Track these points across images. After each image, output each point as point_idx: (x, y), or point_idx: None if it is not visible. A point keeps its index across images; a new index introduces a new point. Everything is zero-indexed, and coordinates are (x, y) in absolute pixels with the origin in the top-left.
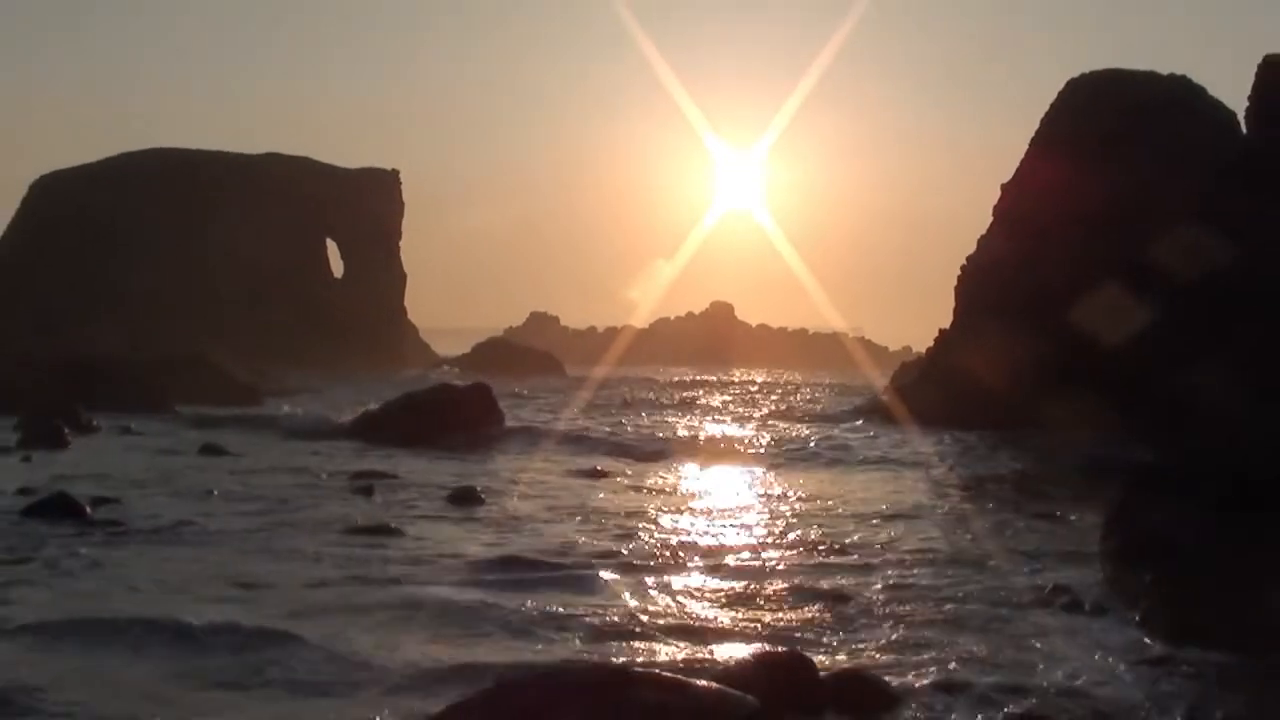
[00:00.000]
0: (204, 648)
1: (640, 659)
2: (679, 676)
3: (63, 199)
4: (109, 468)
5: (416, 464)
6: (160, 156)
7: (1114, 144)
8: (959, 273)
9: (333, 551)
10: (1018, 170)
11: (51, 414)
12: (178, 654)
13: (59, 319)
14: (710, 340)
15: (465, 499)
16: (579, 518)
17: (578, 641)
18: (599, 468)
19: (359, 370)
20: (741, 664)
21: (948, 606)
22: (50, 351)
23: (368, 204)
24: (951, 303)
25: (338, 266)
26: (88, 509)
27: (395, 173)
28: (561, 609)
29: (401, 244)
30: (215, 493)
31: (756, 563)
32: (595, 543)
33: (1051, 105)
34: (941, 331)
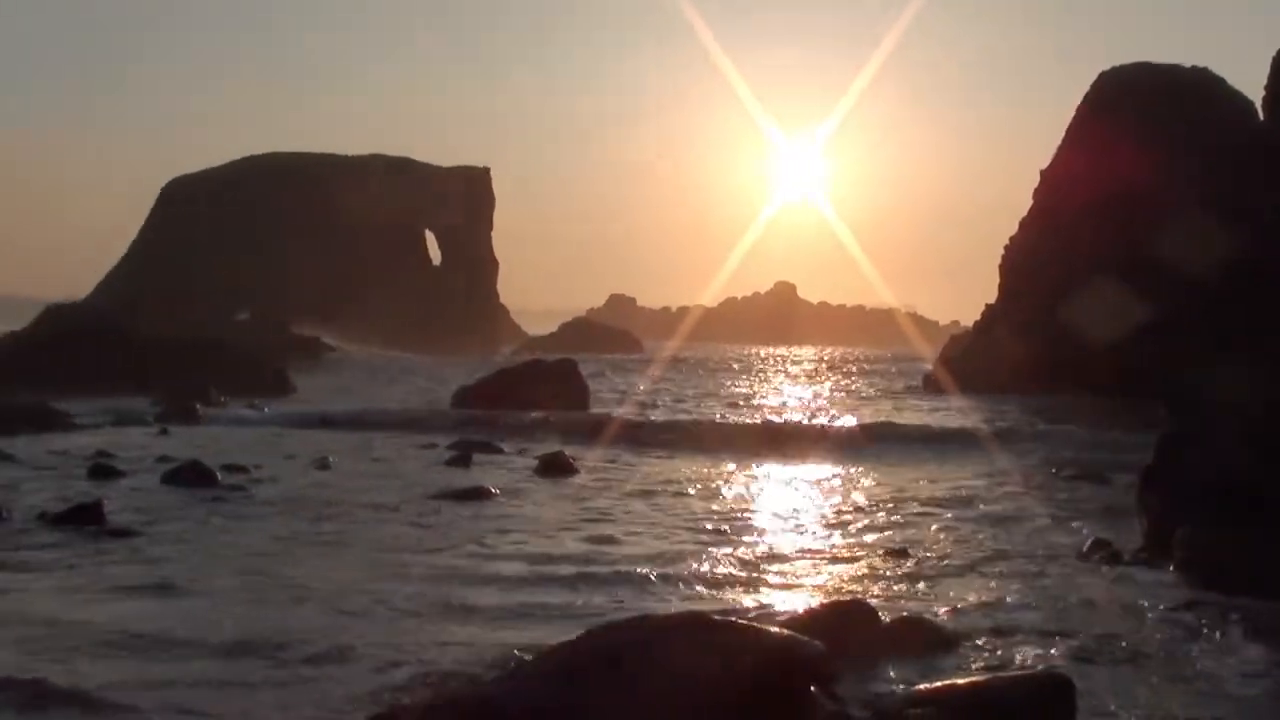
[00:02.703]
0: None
1: (716, 608)
2: (752, 623)
3: (191, 199)
4: (236, 441)
5: (514, 432)
6: (278, 159)
7: (1140, 132)
8: (1003, 251)
9: (439, 515)
10: (1054, 157)
11: (186, 393)
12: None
13: (190, 307)
14: (774, 318)
15: (555, 468)
16: (655, 482)
17: (659, 594)
18: (670, 437)
19: (457, 349)
20: (809, 612)
21: (997, 560)
22: (183, 337)
23: (462, 198)
24: (997, 279)
25: (436, 255)
26: (219, 476)
27: (486, 170)
28: (641, 569)
29: (493, 233)
30: (332, 460)
31: (821, 524)
32: (670, 507)
33: (1084, 96)
34: (987, 306)
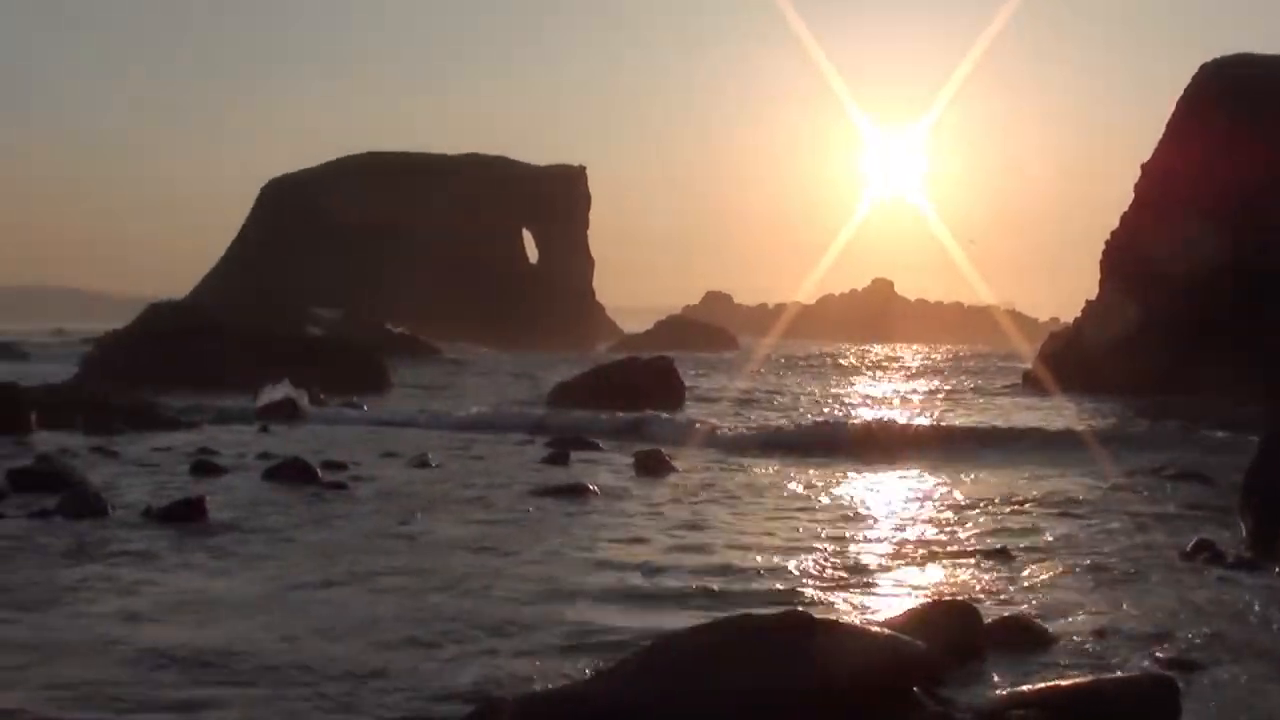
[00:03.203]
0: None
1: (819, 609)
2: (853, 623)
3: (291, 198)
4: (336, 438)
5: (609, 429)
6: (375, 159)
7: (1242, 125)
8: (1104, 247)
9: (540, 511)
10: (1155, 151)
11: (286, 389)
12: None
13: (290, 305)
14: (871, 315)
15: (653, 466)
16: (752, 482)
17: (758, 595)
18: (766, 437)
19: (554, 347)
20: (912, 613)
21: (1098, 560)
22: (282, 335)
23: (558, 197)
24: (1097, 275)
25: (533, 254)
26: (319, 473)
27: (582, 168)
28: (739, 568)
29: (589, 231)
30: (431, 458)
31: (921, 525)
32: (768, 508)
33: (1185, 89)
34: (1088, 303)
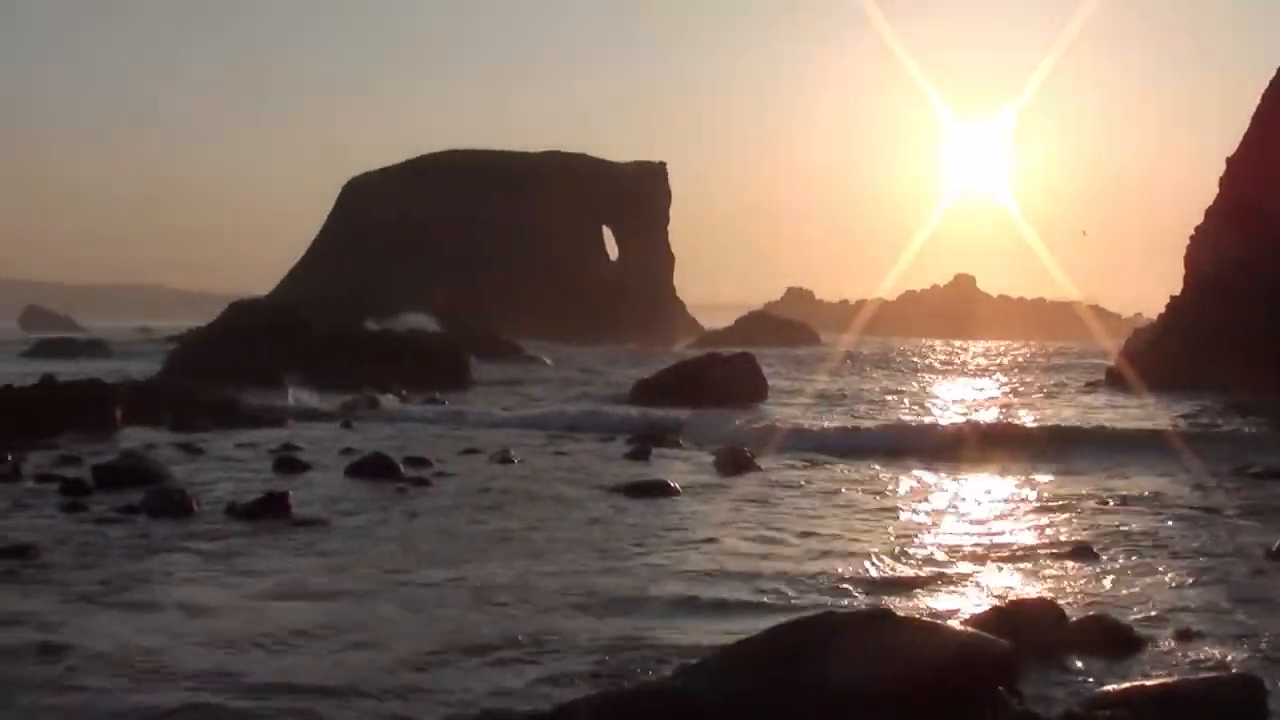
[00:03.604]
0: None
1: (902, 607)
2: (938, 621)
3: (371, 197)
4: (418, 434)
5: (690, 426)
6: (455, 158)
7: None
8: (1188, 242)
9: (621, 509)
10: (1240, 144)
11: (368, 385)
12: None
13: (371, 303)
14: (953, 310)
15: (734, 464)
16: (834, 481)
17: (841, 592)
18: (847, 435)
19: (635, 343)
20: (995, 610)
21: (1183, 560)
22: (363, 331)
23: (638, 194)
24: (1181, 270)
25: (613, 251)
26: (401, 469)
27: (662, 164)
28: (823, 567)
29: (669, 228)
30: (513, 454)
31: (1004, 524)
32: (850, 505)
33: (1271, 80)
34: (1172, 298)
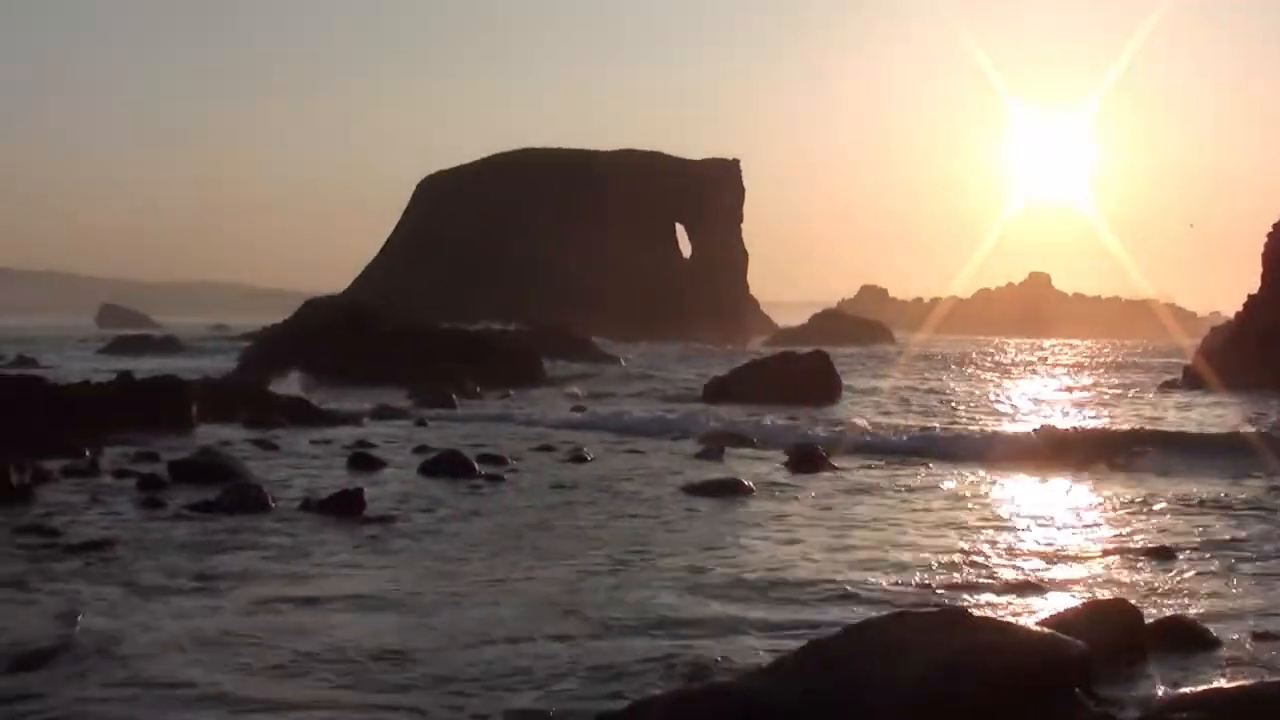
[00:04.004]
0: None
1: (977, 609)
2: (1014, 622)
3: (445, 196)
4: (492, 432)
5: (763, 425)
6: (529, 156)
7: None
8: (1266, 239)
9: (693, 508)
10: None
11: (442, 383)
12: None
13: (444, 299)
14: (1028, 309)
15: (807, 463)
16: (907, 481)
17: (915, 594)
18: (920, 436)
19: (708, 341)
20: (1072, 611)
21: (1261, 562)
22: (438, 329)
23: (712, 191)
24: (1259, 268)
25: (687, 248)
26: (476, 466)
27: (736, 162)
28: (896, 567)
29: (743, 225)
30: (586, 452)
31: (1080, 526)
32: (923, 506)
33: None
34: (1250, 296)
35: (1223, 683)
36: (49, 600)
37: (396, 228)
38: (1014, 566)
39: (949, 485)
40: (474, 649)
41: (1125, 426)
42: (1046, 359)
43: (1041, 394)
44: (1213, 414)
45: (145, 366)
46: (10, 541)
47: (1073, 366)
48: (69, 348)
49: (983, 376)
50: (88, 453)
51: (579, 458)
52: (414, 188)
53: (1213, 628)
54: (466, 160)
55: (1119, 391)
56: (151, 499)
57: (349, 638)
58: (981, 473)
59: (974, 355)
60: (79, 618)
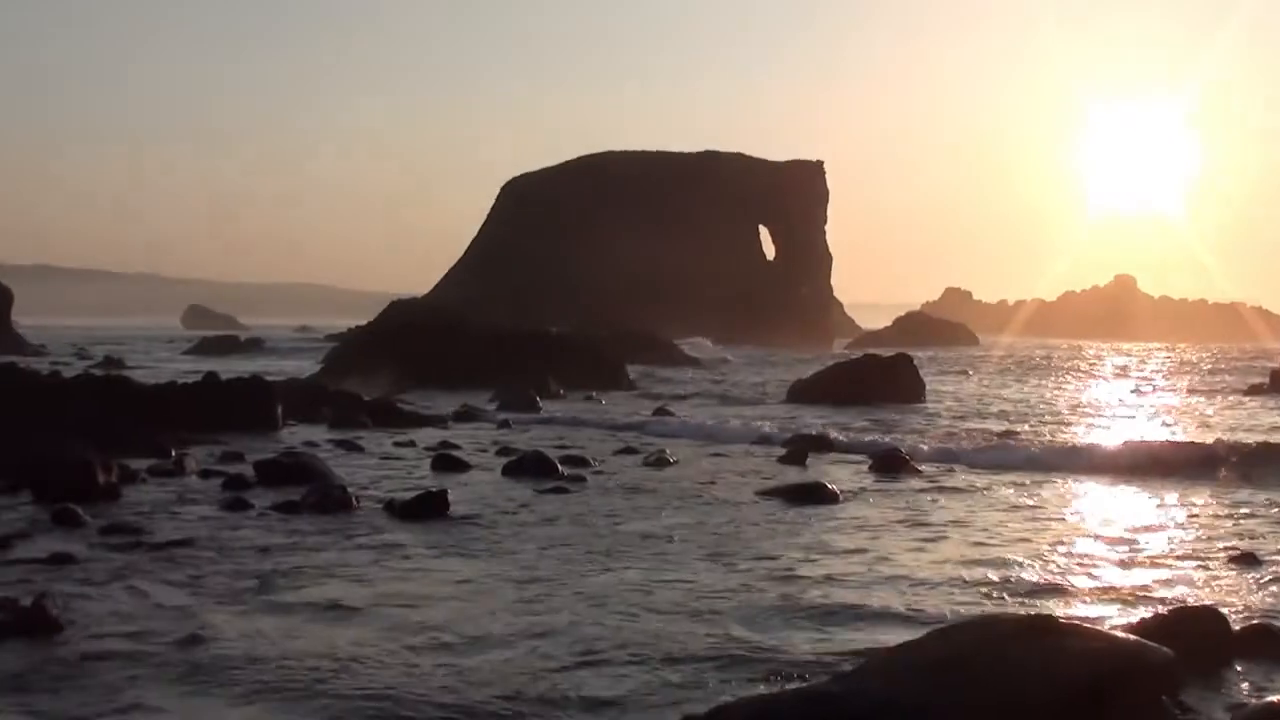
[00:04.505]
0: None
1: (1060, 614)
2: (1100, 629)
3: (528, 198)
4: (575, 434)
5: (848, 428)
6: (613, 158)
7: None
8: None
9: (774, 512)
10: None
11: (525, 384)
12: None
13: (529, 300)
14: (1113, 312)
15: (891, 467)
16: (991, 486)
17: (998, 600)
18: (1003, 444)
19: (792, 343)
20: (1157, 618)
21: None
22: (521, 330)
23: (796, 193)
24: None
25: (770, 250)
26: (559, 467)
27: (820, 163)
28: (980, 573)
29: (827, 227)
30: (669, 454)
31: (1165, 533)
32: (1008, 511)
33: None
34: None
35: None
36: (134, 599)
37: (480, 230)
38: (1098, 574)
39: (1033, 493)
40: (552, 650)
41: (1213, 434)
42: (1131, 362)
43: (1127, 398)
44: None
45: (230, 367)
46: (97, 540)
47: (1158, 370)
48: (156, 348)
49: (1067, 380)
50: (174, 453)
51: (661, 460)
52: (498, 191)
53: None
54: (550, 163)
55: (1205, 397)
56: (236, 499)
57: (428, 637)
58: (1067, 481)
59: (1058, 358)
60: (171, 616)
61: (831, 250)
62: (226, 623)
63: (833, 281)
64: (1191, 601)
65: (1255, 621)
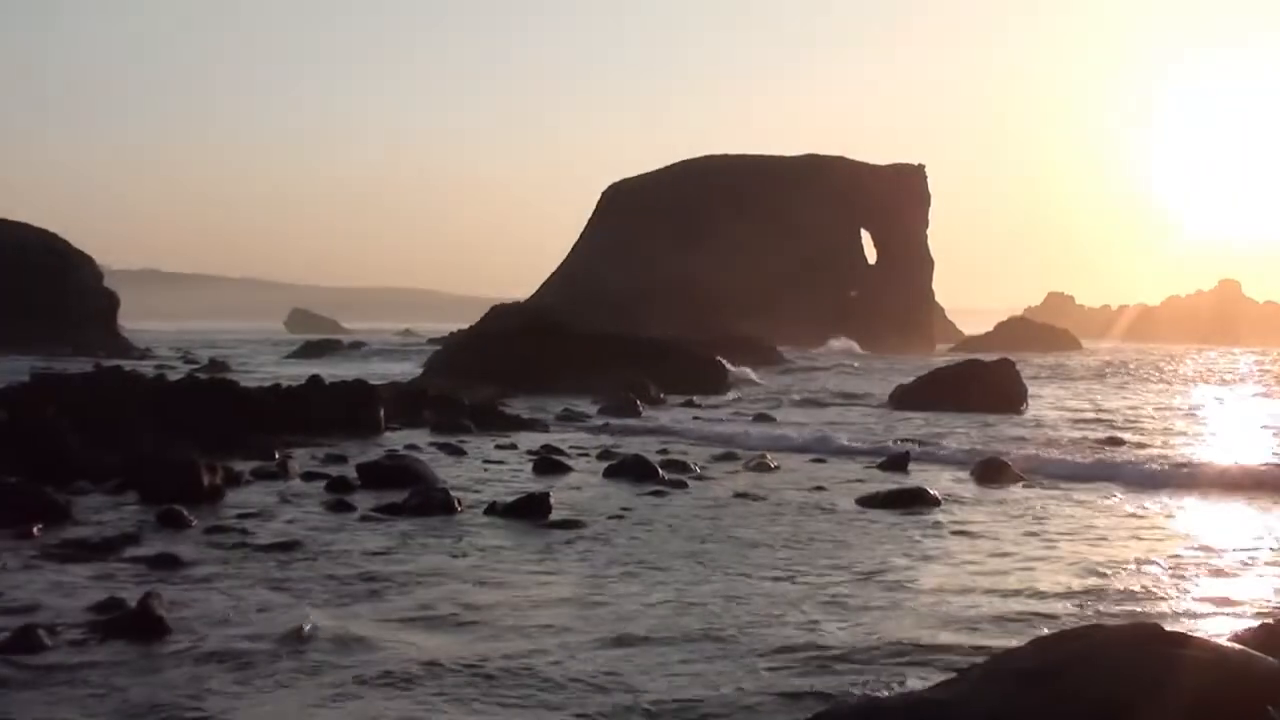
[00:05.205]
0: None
1: (1165, 623)
2: (1206, 638)
3: (629, 203)
4: (676, 437)
5: (949, 434)
6: (713, 162)
7: None
8: None
9: (873, 521)
10: None
11: (625, 388)
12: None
13: (629, 305)
14: (1217, 317)
15: (994, 475)
16: (1093, 496)
17: (1099, 610)
18: (1110, 438)
19: (893, 348)
20: (1264, 628)
21: None
22: (622, 335)
23: (897, 197)
24: None
25: (871, 254)
26: (660, 471)
27: (921, 167)
28: (1083, 581)
29: (928, 231)
30: (771, 460)
31: (1272, 541)
32: (1110, 521)
33: None
34: None
35: None
36: (238, 600)
37: (582, 235)
38: (1203, 586)
39: (1138, 504)
40: (659, 654)
41: None
42: (1235, 369)
43: (1231, 405)
44: None
45: (333, 371)
46: (203, 540)
47: (1264, 377)
48: (260, 352)
49: (1171, 388)
50: (277, 455)
51: (762, 466)
52: (599, 195)
53: None
54: (651, 168)
55: None
56: (339, 501)
57: (543, 640)
58: (1172, 495)
59: (1162, 365)
60: (274, 617)
61: (933, 254)
62: (329, 624)
63: (934, 285)
64: None
65: None
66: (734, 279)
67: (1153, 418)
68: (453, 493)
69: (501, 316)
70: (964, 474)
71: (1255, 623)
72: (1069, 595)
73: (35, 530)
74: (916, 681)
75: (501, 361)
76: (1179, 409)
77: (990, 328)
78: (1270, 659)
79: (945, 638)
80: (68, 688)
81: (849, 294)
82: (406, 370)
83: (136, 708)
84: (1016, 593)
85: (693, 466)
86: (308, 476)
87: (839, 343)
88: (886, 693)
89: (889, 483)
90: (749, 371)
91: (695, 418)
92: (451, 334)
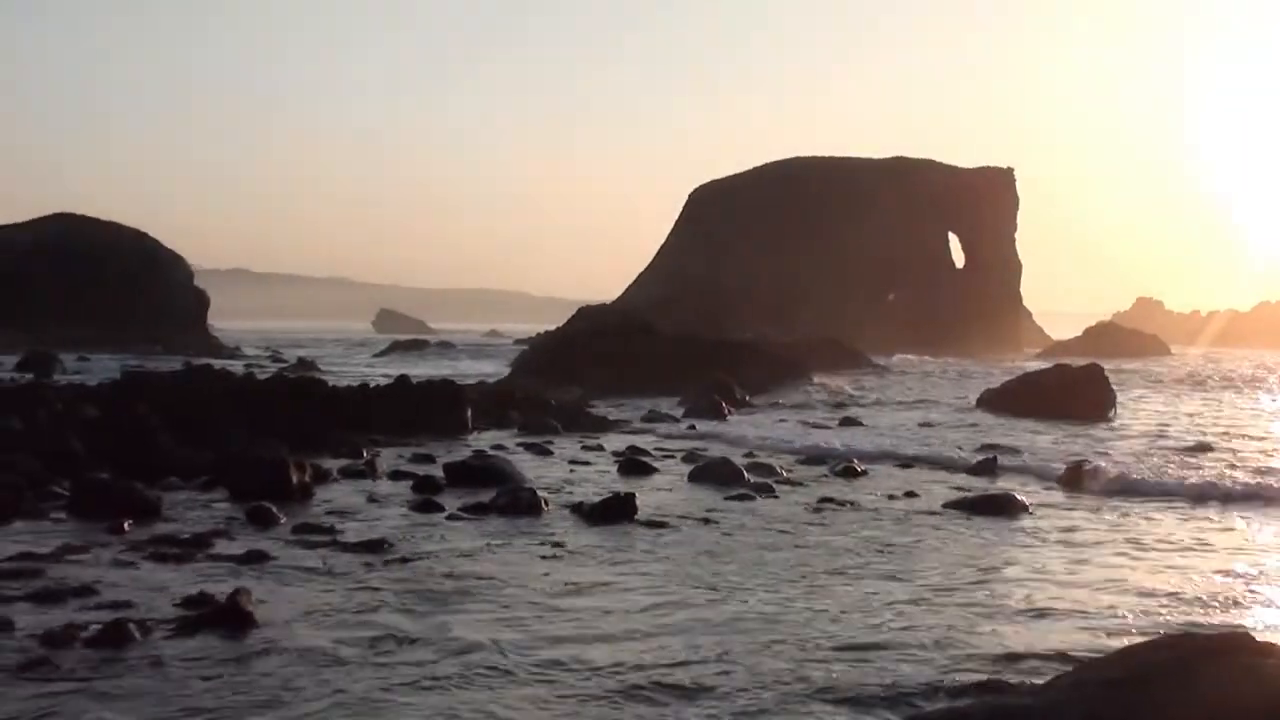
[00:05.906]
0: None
1: (1254, 633)
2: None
3: (717, 205)
4: (761, 440)
5: (1037, 440)
6: (798, 164)
7: None
8: None
9: (961, 524)
10: None
11: (712, 392)
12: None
13: (715, 307)
14: None
15: (1078, 480)
16: (1174, 508)
17: (1183, 618)
18: (1200, 444)
19: (981, 352)
20: None
21: None
22: (708, 337)
23: (985, 200)
24: None
25: (959, 258)
26: (745, 474)
27: (1010, 170)
28: (1168, 587)
29: (1017, 235)
30: (859, 465)
31: None
32: (1190, 538)
33: None
34: None
35: None
36: (326, 597)
37: (669, 236)
38: (1238, 593)
39: (1225, 514)
40: (745, 657)
41: None
42: None
43: None
44: None
45: (421, 370)
46: (291, 538)
47: None
48: (348, 351)
49: (1262, 396)
50: (365, 454)
51: (849, 470)
52: (685, 198)
53: None
54: (737, 170)
55: None
56: (427, 501)
57: (623, 638)
58: (1261, 505)
59: (1253, 372)
60: (361, 615)
61: (1021, 258)
62: (416, 623)
63: (1023, 290)
64: None
65: None
66: (819, 281)
67: (1244, 426)
68: (539, 493)
69: (588, 317)
70: (1052, 481)
71: None
72: (1156, 601)
73: (126, 526)
74: (1002, 687)
75: (588, 362)
76: (1272, 416)
77: (1079, 332)
78: None
79: (1034, 644)
80: (155, 681)
81: (887, 298)
82: (494, 370)
83: (223, 701)
84: (1104, 597)
85: (779, 470)
86: (395, 475)
87: (918, 353)
88: (970, 700)
89: (976, 487)
90: (835, 375)
91: (780, 421)
92: (538, 334)
